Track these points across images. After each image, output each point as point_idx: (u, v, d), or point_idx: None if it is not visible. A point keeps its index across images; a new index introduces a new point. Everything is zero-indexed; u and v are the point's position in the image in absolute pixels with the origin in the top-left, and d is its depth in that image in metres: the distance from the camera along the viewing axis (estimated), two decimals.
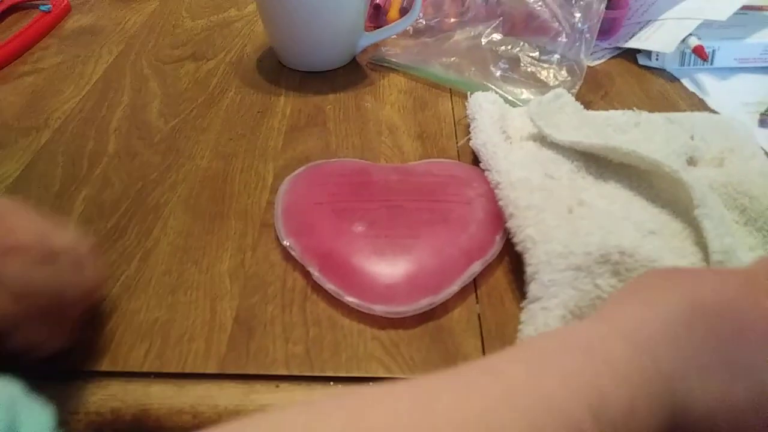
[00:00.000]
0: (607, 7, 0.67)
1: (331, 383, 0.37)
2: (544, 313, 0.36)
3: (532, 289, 0.38)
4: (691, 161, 0.49)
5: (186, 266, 0.44)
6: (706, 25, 0.65)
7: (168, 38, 0.73)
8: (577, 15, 0.59)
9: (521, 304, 0.39)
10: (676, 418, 0.27)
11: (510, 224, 0.42)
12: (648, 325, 0.28)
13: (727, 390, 0.27)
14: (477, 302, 0.41)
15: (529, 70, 0.61)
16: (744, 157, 0.49)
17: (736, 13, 0.64)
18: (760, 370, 0.28)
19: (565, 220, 0.41)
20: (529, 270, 0.39)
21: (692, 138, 0.51)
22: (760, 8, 0.70)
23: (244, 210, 0.48)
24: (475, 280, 0.42)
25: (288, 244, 0.44)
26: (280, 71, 0.66)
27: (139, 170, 0.52)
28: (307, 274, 0.42)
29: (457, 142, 0.55)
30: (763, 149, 0.51)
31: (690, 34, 0.64)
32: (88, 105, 0.61)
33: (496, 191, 0.45)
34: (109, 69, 0.67)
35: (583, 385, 0.25)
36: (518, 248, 0.41)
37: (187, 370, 0.37)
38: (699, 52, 0.63)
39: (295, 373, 0.37)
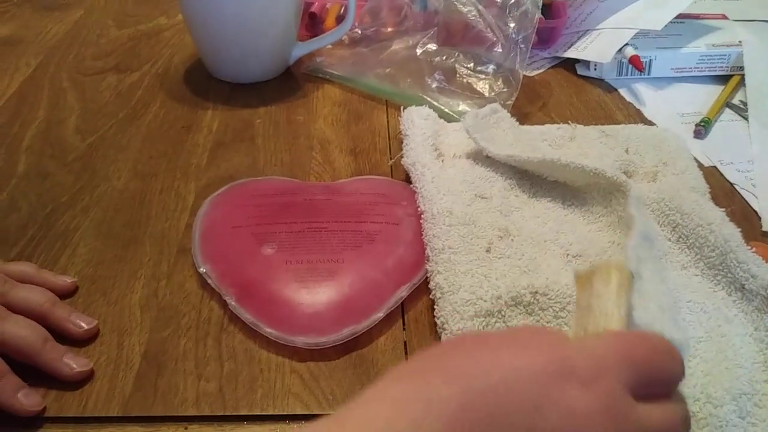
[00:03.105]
0: (546, 17, 0.66)
1: (245, 423, 0.34)
2: None
3: (444, 340, 0.36)
4: (626, 175, 0.48)
5: (93, 297, 0.41)
6: (644, 35, 0.64)
7: (91, 49, 0.69)
8: (512, 25, 0.58)
9: None
10: None
11: (427, 267, 0.41)
12: None
13: None
14: (404, 329, 0.39)
15: (465, 81, 0.60)
16: (677, 170, 0.48)
17: (672, 22, 0.63)
18: None
19: (478, 263, 0.40)
20: (438, 321, 0.38)
21: (627, 151, 0.50)
22: (696, 16, 0.70)
23: (161, 234, 0.45)
24: (402, 305, 0.40)
25: (204, 271, 0.41)
26: (208, 83, 0.63)
27: (50, 192, 0.49)
28: (224, 304, 0.40)
29: (390, 158, 0.53)
30: (696, 162, 0.51)
31: (627, 44, 0.63)
32: None
33: (421, 220, 0.43)
34: (25, 82, 0.63)
35: None
36: (431, 296, 0.40)
37: (87, 414, 0.34)
38: (635, 62, 0.62)
39: (206, 413, 0.34)
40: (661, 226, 0.43)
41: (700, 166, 0.51)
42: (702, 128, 0.56)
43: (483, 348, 0.24)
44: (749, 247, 0.40)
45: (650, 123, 0.58)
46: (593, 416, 0.22)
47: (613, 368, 0.23)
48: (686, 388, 0.33)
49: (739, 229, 0.42)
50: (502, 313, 0.37)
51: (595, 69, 0.65)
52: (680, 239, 0.43)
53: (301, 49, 0.64)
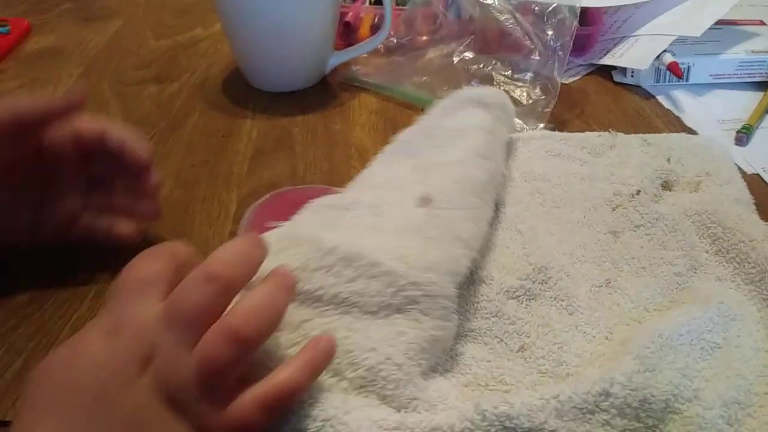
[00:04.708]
0: (582, 24, 0.66)
1: None
2: None
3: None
4: (666, 185, 0.48)
5: None
6: (681, 41, 0.64)
7: (131, 59, 0.71)
8: (550, 32, 0.58)
9: None
10: None
11: None
12: None
13: None
14: None
15: (502, 89, 0.59)
16: (720, 181, 0.48)
17: (710, 28, 0.63)
18: None
19: None
20: None
21: (669, 161, 0.50)
22: (734, 22, 0.69)
23: (206, 243, 0.46)
24: None
25: None
26: (247, 92, 0.64)
27: None
28: None
29: None
30: (740, 171, 0.50)
31: (665, 51, 0.63)
32: None
33: None
34: (68, 93, 0.64)
35: None
36: None
37: None
38: (673, 68, 0.61)
39: None
40: (700, 238, 0.43)
41: (743, 173, 0.51)
42: (744, 135, 0.56)
43: (72, 357, 0.28)
44: None
45: (691, 130, 0.57)
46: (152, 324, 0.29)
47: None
48: (685, 390, 0.32)
49: None
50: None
51: (632, 76, 0.65)
52: (719, 252, 0.42)
53: (337, 58, 0.65)
